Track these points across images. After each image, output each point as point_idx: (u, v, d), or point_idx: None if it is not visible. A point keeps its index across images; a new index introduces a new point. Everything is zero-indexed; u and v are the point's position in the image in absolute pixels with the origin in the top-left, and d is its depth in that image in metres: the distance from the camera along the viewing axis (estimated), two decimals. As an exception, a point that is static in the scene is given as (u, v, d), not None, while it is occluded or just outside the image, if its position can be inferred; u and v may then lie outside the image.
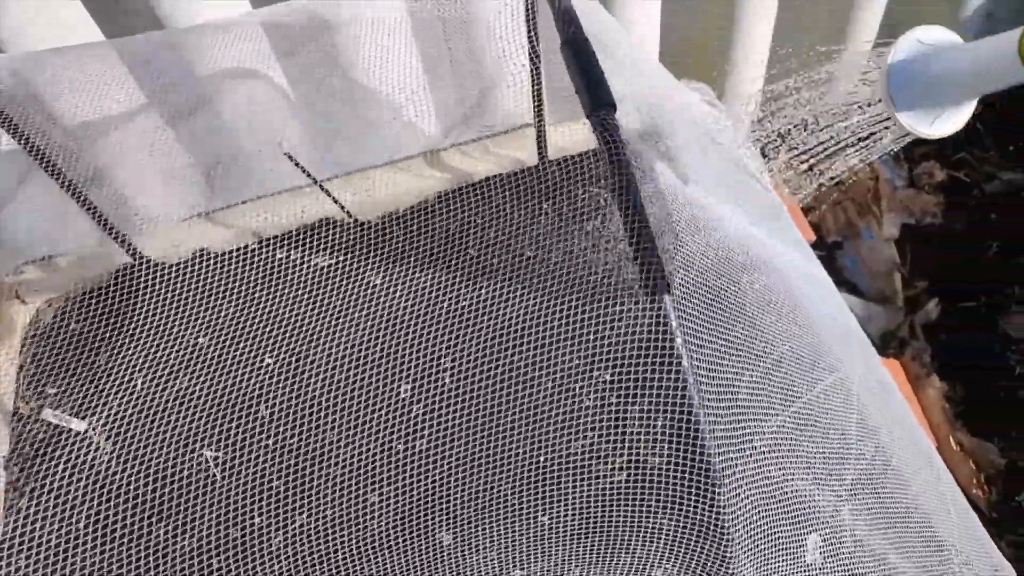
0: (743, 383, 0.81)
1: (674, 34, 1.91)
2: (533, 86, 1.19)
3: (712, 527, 0.82)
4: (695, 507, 0.84)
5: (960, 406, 1.53)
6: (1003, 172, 1.91)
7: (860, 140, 1.43)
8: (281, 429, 1.05)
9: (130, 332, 1.20)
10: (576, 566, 0.93)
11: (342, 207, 1.19)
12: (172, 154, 1.26)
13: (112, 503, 1.01)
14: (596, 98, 0.74)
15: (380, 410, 1.03)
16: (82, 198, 1.14)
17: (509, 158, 1.39)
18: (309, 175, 1.15)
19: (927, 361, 1.64)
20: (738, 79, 2.02)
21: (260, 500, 0.99)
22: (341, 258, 1.25)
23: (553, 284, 1.10)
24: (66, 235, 1.30)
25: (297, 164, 1.12)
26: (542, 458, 0.98)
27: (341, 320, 1.13)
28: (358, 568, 0.95)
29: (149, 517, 1.00)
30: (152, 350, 1.18)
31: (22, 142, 1.06)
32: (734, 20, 1.89)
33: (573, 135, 1.33)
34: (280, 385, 1.11)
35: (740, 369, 0.82)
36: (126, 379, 1.15)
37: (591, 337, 1.01)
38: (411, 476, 0.98)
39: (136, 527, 1.00)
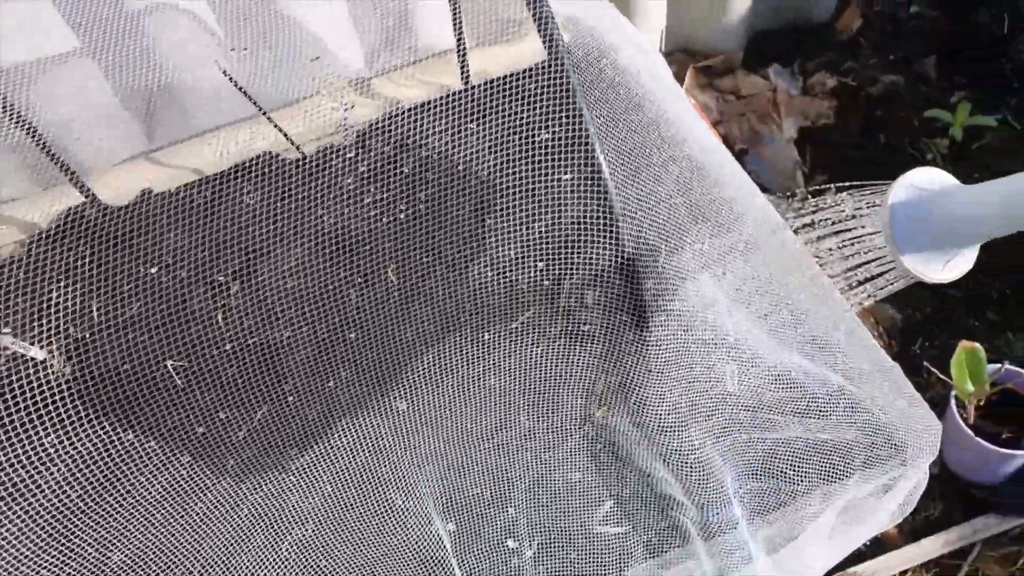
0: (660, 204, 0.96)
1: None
2: (453, 9, 1.27)
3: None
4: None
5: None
6: (885, 75, 2.10)
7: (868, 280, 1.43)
8: (239, 333, 1.13)
9: (82, 269, 1.25)
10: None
11: (288, 138, 1.26)
12: (106, 95, 1.29)
13: (77, 417, 1.07)
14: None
15: (331, 309, 1.12)
16: (31, 142, 1.17)
17: (435, 84, 1.46)
18: (257, 106, 1.21)
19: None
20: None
21: (225, 396, 1.08)
22: (282, 188, 1.31)
23: (482, 189, 1.20)
24: (10, 180, 1.33)
25: (245, 94, 1.18)
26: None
27: (289, 235, 1.21)
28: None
29: (116, 425, 1.07)
30: (105, 283, 1.24)
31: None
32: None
33: (496, 58, 1.40)
34: (235, 296, 1.19)
35: (656, 190, 0.96)
36: (82, 310, 1.21)
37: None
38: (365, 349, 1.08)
39: (105, 434, 1.07)
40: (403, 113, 1.33)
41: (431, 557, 0.94)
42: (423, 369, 1.05)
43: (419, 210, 1.27)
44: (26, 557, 0.96)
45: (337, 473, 1.02)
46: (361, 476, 1.01)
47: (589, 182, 1.04)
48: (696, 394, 0.93)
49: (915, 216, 1.28)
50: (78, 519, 1.00)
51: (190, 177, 1.38)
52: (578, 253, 1.06)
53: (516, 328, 1.07)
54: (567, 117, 1.12)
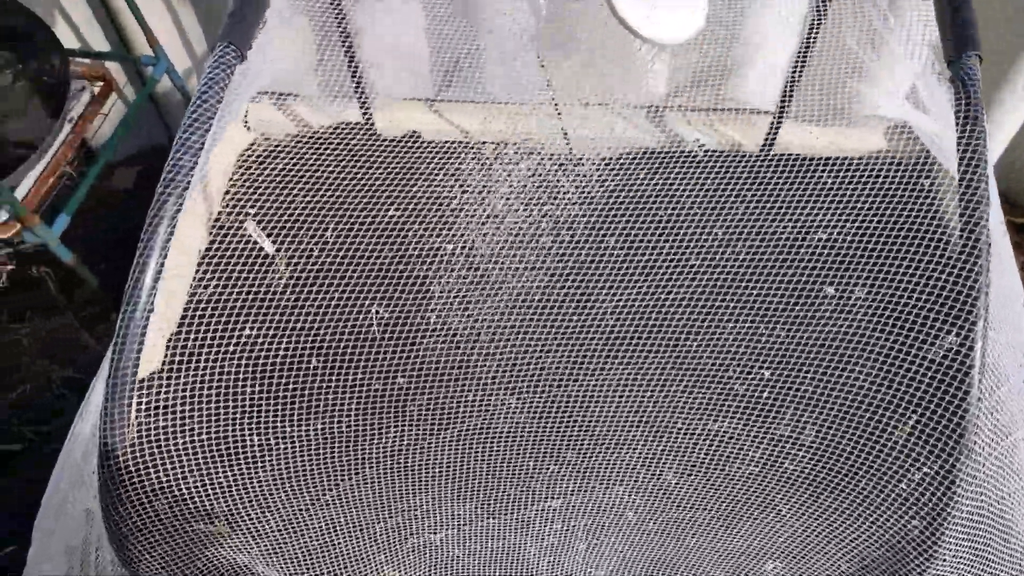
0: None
1: None
2: (792, 74, 1.16)
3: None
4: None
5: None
6: None
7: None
8: (449, 307, 1.11)
9: (332, 186, 1.28)
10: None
11: (565, 135, 1.21)
12: (420, 40, 1.31)
13: (281, 324, 1.10)
14: (961, 39, 0.68)
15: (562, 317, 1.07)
16: (339, 56, 1.21)
17: (728, 137, 1.36)
18: (553, 99, 1.17)
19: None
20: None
21: (424, 362, 1.05)
22: (536, 178, 1.28)
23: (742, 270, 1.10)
24: (305, 81, 1.38)
25: (549, 84, 1.14)
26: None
27: (519, 232, 1.18)
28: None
29: (308, 349, 1.08)
30: (347, 208, 1.26)
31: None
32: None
33: (811, 138, 1.28)
34: (453, 269, 1.17)
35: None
36: (318, 224, 1.24)
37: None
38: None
39: (297, 355, 1.08)
40: (680, 155, 1.25)
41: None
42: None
43: (656, 263, 1.18)
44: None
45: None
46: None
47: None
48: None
49: None
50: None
51: (454, 136, 1.38)
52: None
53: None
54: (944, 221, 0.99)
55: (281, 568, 0.88)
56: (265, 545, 0.87)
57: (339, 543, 0.91)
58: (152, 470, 0.81)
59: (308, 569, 0.90)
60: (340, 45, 1.22)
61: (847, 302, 1.13)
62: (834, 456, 1.01)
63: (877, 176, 1.20)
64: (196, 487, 0.85)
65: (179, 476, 0.84)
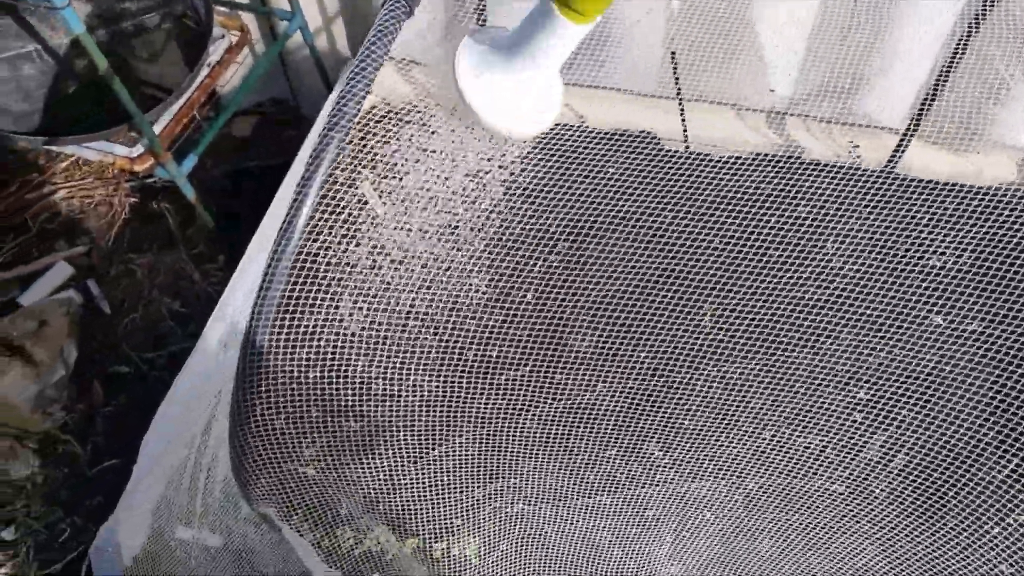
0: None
1: None
2: (930, 91, 1.12)
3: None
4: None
5: None
6: None
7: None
8: (549, 287, 1.13)
9: (444, 156, 1.31)
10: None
11: (685, 132, 1.21)
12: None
13: (387, 284, 1.14)
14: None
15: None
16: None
17: (847, 151, 1.33)
18: (678, 90, 1.17)
19: None
20: None
21: (510, 336, 1.08)
22: (646, 172, 1.27)
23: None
24: (432, 51, 1.41)
25: (675, 73, 1.14)
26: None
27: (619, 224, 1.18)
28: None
29: (404, 318, 1.12)
30: (453, 176, 1.29)
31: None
32: None
33: (936, 161, 1.24)
34: (555, 251, 1.19)
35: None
36: (426, 191, 1.27)
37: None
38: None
39: (395, 321, 1.12)
40: (797, 163, 1.23)
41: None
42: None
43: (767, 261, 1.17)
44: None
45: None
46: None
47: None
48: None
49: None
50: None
51: (570, 119, 1.39)
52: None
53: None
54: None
55: (377, 517, 0.92)
56: (366, 490, 0.91)
57: (434, 501, 0.95)
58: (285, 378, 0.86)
59: (402, 523, 0.94)
60: (474, 16, 1.24)
61: (957, 334, 1.10)
62: (925, 487, 0.99)
63: (1004, 208, 1.16)
64: (314, 419, 0.89)
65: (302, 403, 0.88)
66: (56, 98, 1.48)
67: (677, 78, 1.18)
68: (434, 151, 1.30)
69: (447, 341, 1.08)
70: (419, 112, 1.36)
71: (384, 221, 1.28)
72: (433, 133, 1.32)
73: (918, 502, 1.00)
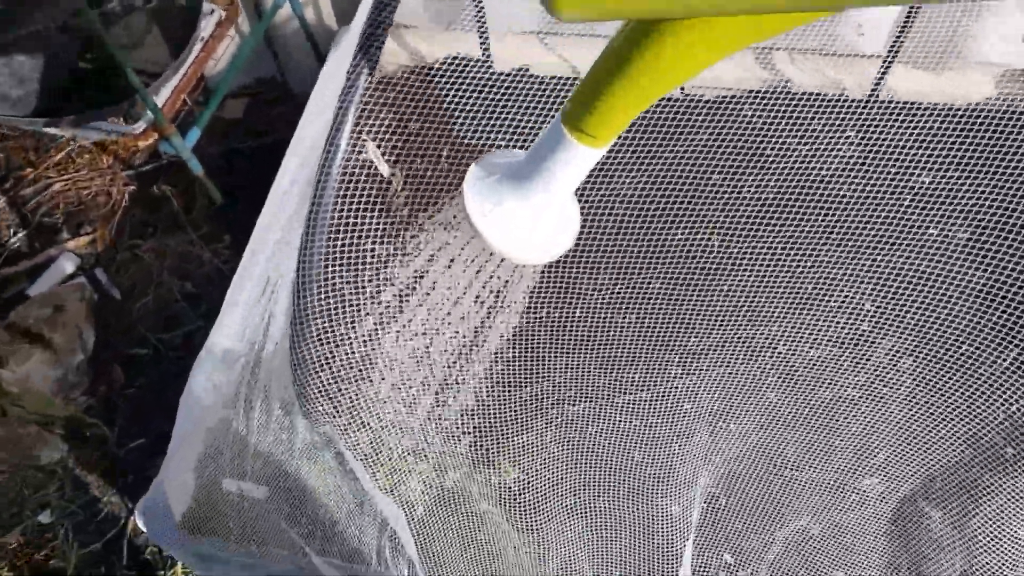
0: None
1: None
2: (906, 15, 1.17)
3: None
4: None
5: None
6: None
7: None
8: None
9: (439, 112, 1.34)
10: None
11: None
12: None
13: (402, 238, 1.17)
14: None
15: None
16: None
17: (832, 80, 1.38)
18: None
19: None
20: None
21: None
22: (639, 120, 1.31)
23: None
24: (419, 11, 1.43)
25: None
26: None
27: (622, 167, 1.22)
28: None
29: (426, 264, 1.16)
30: (455, 136, 1.32)
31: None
32: None
33: (918, 83, 1.29)
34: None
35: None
36: (431, 149, 1.30)
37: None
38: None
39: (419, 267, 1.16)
40: (786, 96, 1.27)
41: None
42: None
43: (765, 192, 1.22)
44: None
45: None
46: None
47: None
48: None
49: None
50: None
51: (567, 72, 1.42)
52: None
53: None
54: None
55: (416, 436, 0.96)
56: (402, 401, 0.95)
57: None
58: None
59: (441, 444, 0.98)
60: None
61: (950, 242, 1.16)
62: (931, 384, 1.05)
63: (984, 123, 1.21)
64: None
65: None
66: (52, 82, 1.48)
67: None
68: (430, 107, 1.33)
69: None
70: (413, 72, 1.39)
71: (393, 179, 1.31)
72: (427, 90, 1.35)
73: (927, 399, 1.06)
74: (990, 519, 0.95)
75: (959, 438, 1.01)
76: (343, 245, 0.95)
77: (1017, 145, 1.12)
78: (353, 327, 0.89)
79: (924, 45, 1.25)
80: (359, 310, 0.92)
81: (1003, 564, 0.96)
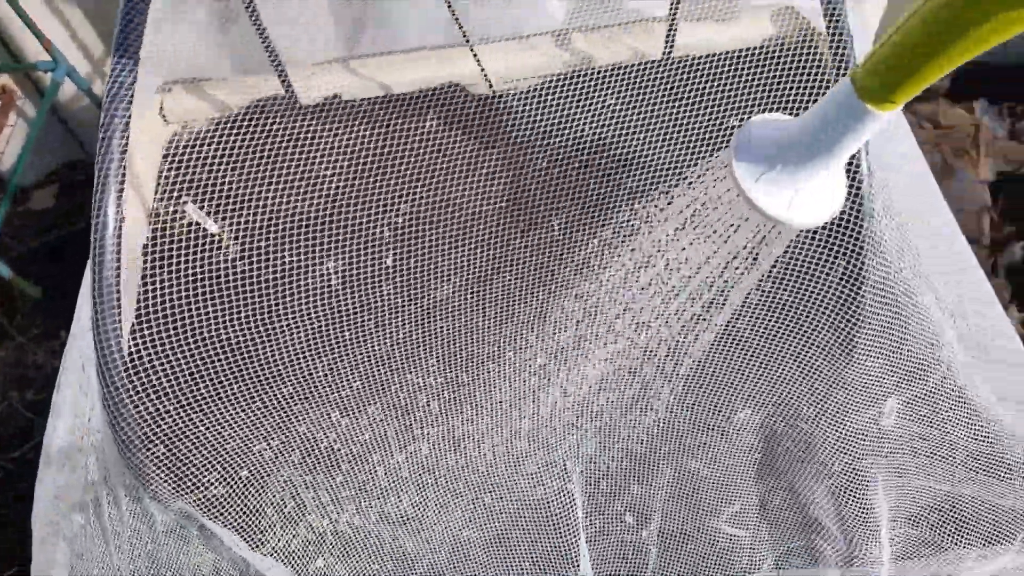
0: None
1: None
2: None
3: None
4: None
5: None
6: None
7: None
8: (400, 250, 1.16)
9: (262, 158, 1.30)
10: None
11: (484, 73, 1.26)
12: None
13: (235, 292, 1.13)
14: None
15: (493, 244, 1.13)
16: (252, 30, 1.22)
17: (632, 48, 1.43)
18: (464, 35, 1.21)
19: (1006, 297, 1.73)
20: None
21: (374, 307, 1.10)
22: (460, 120, 1.33)
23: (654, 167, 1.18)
24: (215, 63, 1.38)
25: (458, 24, 1.18)
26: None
27: (461, 166, 1.23)
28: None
29: (266, 311, 1.12)
30: (281, 174, 1.28)
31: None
32: None
33: (706, 34, 1.36)
34: (402, 214, 1.22)
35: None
36: (256, 196, 1.26)
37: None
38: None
39: (253, 317, 1.11)
40: (592, 72, 1.32)
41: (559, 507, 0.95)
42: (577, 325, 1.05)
43: (592, 168, 1.25)
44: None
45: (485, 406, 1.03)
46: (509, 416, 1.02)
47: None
48: (884, 428, 0.89)
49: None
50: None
51: (377, 92, 1.41)
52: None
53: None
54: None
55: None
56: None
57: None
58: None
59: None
60: (246, 15, 1.23)
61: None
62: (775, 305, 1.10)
63: (771, 61, 1.29)
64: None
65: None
66: None
67: (460, 26, 1.23)
68: (246, 154, 1.29)
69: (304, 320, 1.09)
70: (222, 124, 1.34)
71: (221, 236, 1.26)
72: (239, 137, 1.30)
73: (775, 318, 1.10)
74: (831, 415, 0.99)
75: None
76: (140, 311, 0.90)
77: (790, 74, 1.20)
78: (172, 394, 0.85)
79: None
80: (174, 375, 0.87)
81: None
